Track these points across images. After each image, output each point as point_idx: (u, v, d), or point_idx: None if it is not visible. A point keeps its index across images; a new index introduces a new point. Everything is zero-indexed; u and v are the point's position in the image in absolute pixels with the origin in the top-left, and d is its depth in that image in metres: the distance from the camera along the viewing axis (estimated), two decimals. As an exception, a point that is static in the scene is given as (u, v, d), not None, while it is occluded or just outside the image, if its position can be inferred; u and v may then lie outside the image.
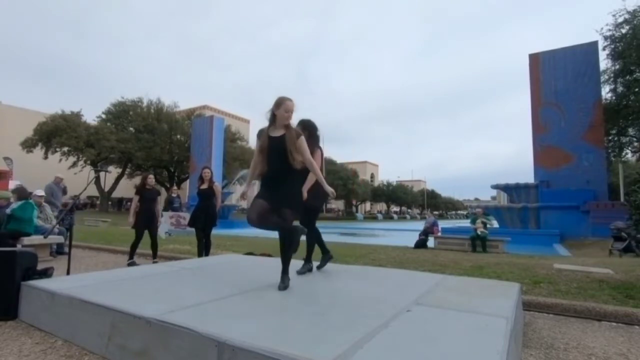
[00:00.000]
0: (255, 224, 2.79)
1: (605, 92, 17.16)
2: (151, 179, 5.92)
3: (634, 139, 18.53)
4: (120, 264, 5.80)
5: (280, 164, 2.81)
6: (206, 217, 5.64)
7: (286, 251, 2.93)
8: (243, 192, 3.20)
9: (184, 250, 7.11)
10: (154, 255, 5.85)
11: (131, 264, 5.48)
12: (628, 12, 15.25)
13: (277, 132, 2.88)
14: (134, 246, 5.68)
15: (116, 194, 38.98)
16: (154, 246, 5.82)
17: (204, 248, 5.68)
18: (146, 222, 5.68)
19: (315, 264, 3.88)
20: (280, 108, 2.87)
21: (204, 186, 5.73)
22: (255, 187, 3.33)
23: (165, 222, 10.41)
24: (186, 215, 12.86)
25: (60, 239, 6.61)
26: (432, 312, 2.34)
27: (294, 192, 2.93)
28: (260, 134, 3.06)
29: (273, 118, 2.91)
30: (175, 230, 12.27)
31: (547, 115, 15.75)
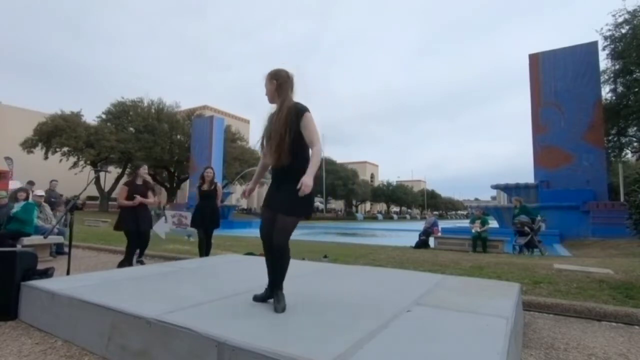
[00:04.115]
0: (266, 245, 2.37)
1: (605, 92, 17.21)
2: (143, 169, 5.56)
3: (634, 139, 18.53)
4: (120, 264, 5.80)
5: (277, 154, 2.28)
6: (211, 217, 5.49)
7: (282, 267, 2.39)
8: (245, 190, 2.69)
9: (184, 250, 7.11)
10: (141, 254, 5.58)
11: (140, 262, 5.51)
12: (628, 12, 15.28)
13: (274, 113, 2.41)
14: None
15: (116, 194, 38.95)
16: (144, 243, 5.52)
17: (204, 248, 5.58)
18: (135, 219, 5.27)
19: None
20: None
21: (206, 187, 5.54)
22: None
23: (165, 223, 10.37)
24: (188, 215, 12.84)
25: (60, 239, 6.61)
26: (432, 312, 2.34)
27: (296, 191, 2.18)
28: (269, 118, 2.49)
29: None
30: (176, 230, 12.21)
31: (547, 115, 15.76)
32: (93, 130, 31.46)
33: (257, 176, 2.75)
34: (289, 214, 2.25)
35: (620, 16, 15.54)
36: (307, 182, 2.09)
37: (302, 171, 2.19)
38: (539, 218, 9.43)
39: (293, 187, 2.14)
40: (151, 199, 5.34)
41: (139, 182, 5.37)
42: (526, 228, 9.08)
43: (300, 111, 2.27)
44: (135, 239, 5.21)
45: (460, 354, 1.66)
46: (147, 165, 6.72)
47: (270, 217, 2.32)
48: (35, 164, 31.06)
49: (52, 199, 8.54)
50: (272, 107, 2.46)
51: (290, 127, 2.23)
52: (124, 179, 37.10)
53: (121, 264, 5.04)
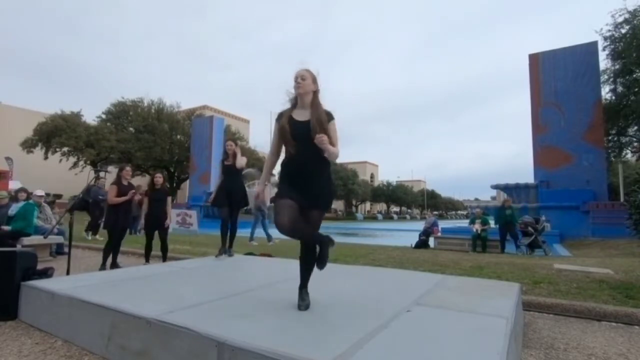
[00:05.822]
0: (287, 231, 2.27)
1: (605, 92, 17.18)
2: (158, 178, 5.72)
3: (634, 139, 18.51)
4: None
5: (308, 154, 2.32)
6: (238, 193, 5.02)
7: (309, 263, 2.46)
8: (258, 193, 2.63)
9: (184, 250, 7.11)
10: (164, 259, 5.60)
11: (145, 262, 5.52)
12: (628, 12, 15.24)
13: (302, 114, 2.41)
14: (147, 248, 5.57)
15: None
16: (164, 249, 5.62)
17: (227, 233, 5.05)
18: (155, 223, 5.50)
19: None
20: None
21: (229, 162, 5.08)
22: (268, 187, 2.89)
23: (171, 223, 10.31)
24: (192, 214, 12.78)
25: (60, 239, 6.61)
26: (432, 312, 2.34)
27: (327, 189, 2.45)
28: (280, 117, 2.48)
29: (295, 98, 2.50)
30: (180, 229, 12.14)
31: (547, 115, 15.76)
32: (93, 130, 31.40)
33: (265, 176, 2.72)
34: (326, 208, 2.44)
35: (620, 16, 15.51)
36: (326, 139, 2.20)
37: (327, 173, 2.45)
38: (543, 218, 9.41)
39: (323, 184, 2.40)
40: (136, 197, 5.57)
41: (124, 182, 5.42)
42: (530, 228, 9.09)
43: (330, 116, 2.45)
44: (118, 237, 5.39)
45: (460, 354, 1.66)
46: (149, 166, 6.76)
47: (294, 206, 2.29)
48: (35, 164, 31.02)
49: (99, 196, 8.84)
50: (284, 106, 2.53)
51: (325, 124, 2.37)
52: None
53: (103, 265, 5.13)
